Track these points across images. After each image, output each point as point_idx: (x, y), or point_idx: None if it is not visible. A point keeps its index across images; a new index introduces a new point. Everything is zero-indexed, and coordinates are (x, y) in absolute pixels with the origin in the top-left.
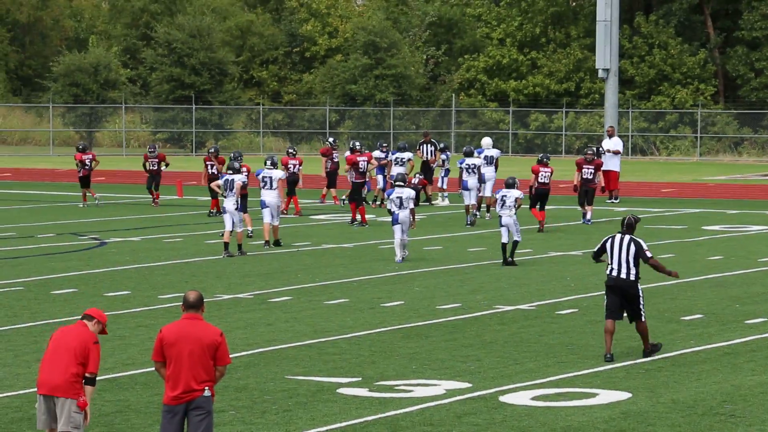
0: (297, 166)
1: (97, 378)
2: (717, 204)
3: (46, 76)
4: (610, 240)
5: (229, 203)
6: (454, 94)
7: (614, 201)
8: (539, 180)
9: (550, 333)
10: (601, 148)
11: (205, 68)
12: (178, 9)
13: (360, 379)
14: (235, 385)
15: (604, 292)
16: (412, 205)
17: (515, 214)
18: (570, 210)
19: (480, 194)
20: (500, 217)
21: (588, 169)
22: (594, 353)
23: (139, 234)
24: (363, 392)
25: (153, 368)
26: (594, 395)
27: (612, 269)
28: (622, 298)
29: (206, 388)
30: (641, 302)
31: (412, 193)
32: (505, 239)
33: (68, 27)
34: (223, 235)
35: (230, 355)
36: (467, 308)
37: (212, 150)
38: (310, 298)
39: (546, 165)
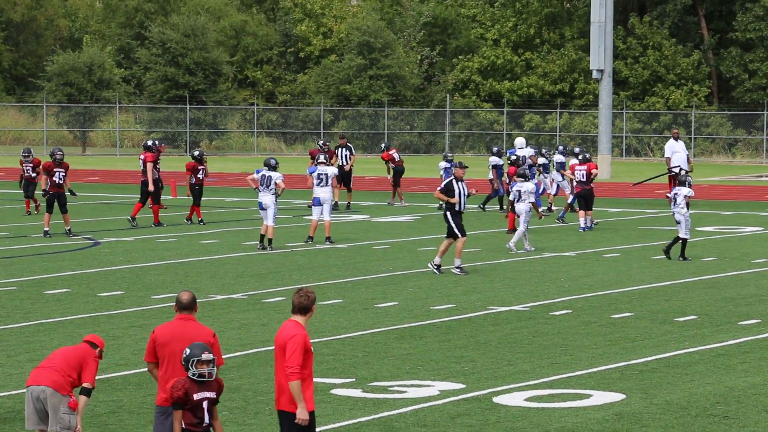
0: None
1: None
2: (711, 205)
3: (40, 75)
4: None
5: (266, 198)
6: (448, 95)
7: None
8: (577, 179)
9: (544, 334)
10: (685, 171)
11: (200, 68)
12: (172, 8)
13: (354, 379)
14: (228, 386)
15: (599, 294)
16: (532, 199)
17: (687, 211)
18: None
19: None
20: (674, 213)
21: (580, 171)
22: (588, 354)
23: (132, 234)
24: (357, 393)
25: (146, 369)
26: (588, 396)
27: None
28: None
29: None
30: None
31: (531, 186)
32: (681, 234)
33: (62, 26)
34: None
35: (223, 356)
36: (461, 309)
37: (156, 143)
38: None
39: (583, 162)
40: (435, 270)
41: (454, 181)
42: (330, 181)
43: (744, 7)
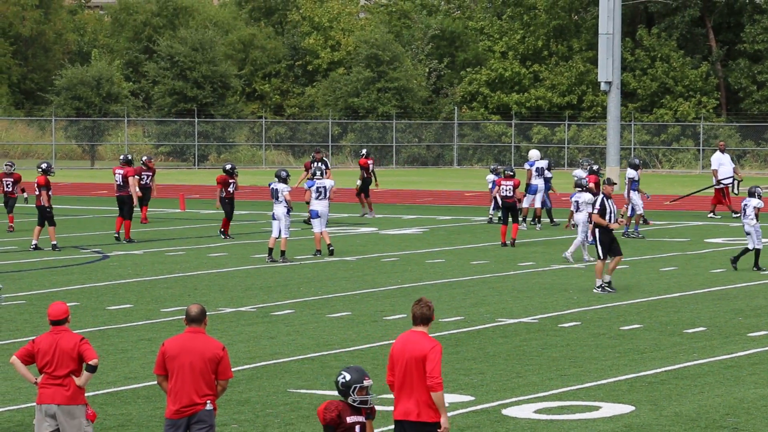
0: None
1: (100, 392)
2: (720, 216)
3: (48, 89)
4: None
5: (279, 210)
6: (456, 107)
7: (715, 216)
8: (501, 193)
9: (553, 346)
10: (737, 178)
11: (208, 81)
12: (180, 22)
13: None
14: (237, 399)
15: (608, 305)
16: (590, 209)
17: (757, 222)
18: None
19: (527, 206)
20: (743, 225)
21: None
22: (597, 366)
23: (141, 247)
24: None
25: (155, 382)
26: (597, 408)
27: None
28: None
29: (208, 401)
30: None
31: (588, 197)
32: (750, 246)
33: (71, 41)
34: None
35: (232, 369)
36: (470, 321)
37: (145, 158)
38: (313, 311)
39: (509, 178)
40: (608, 290)
41: (604, 199)
42: (328, 194)
43: (752, 18)
